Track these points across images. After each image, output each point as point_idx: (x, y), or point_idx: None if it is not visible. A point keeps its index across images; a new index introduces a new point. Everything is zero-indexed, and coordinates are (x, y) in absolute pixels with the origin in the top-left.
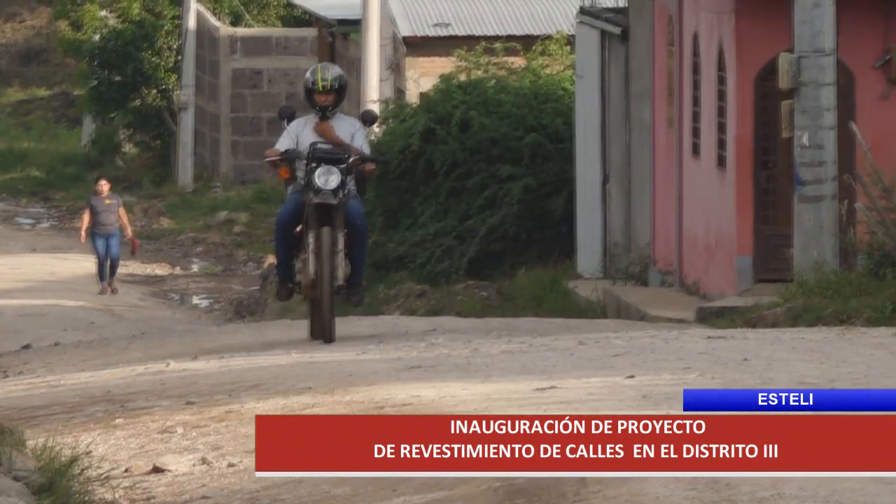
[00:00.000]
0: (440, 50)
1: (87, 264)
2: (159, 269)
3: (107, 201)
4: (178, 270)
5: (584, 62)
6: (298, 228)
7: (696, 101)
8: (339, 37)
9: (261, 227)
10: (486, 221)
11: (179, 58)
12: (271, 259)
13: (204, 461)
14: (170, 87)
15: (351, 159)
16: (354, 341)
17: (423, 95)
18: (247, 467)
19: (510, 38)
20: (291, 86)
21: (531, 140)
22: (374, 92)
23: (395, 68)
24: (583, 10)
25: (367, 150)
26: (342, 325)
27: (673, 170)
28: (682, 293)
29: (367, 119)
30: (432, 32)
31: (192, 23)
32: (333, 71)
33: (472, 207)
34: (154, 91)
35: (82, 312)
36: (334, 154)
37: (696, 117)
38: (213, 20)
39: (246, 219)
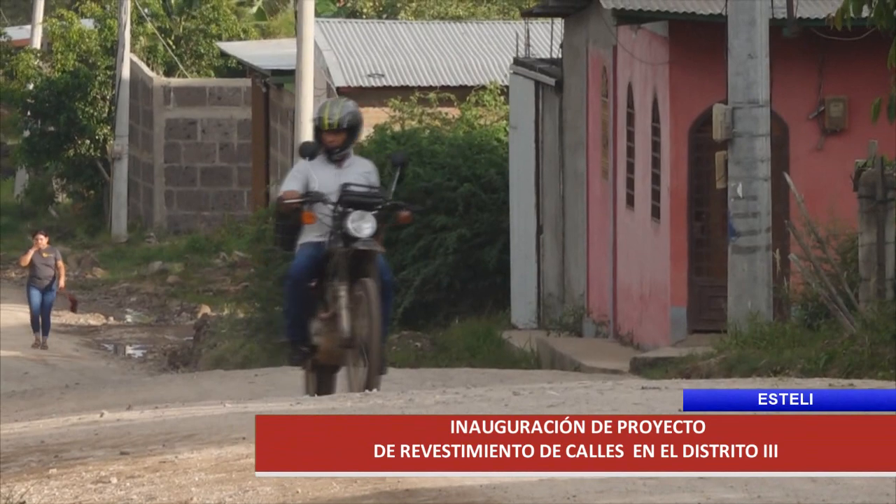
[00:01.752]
0: (374, 100)
1: (20, 314)
2: (93, 320)
3: (45, 255)
4: (111, 321)
5: (518, 113)
6: (313, 284)
7: (630, 152)
8: (273, 87)
9: (194, 277)
10: (420, 272)
11: (113, 108)
12: (205, 309)
13: None
14: (103, 137)
15: (386, 204)
16: (289, 391)
17: (357, 146)
18: None
19: (444, 88)
20: (226, 136)
21: (465, 190)
22: None
23: None
24: (517, 61)
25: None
26: (276, 374)
27: (607, 220)
28: (616, 344)
29: (396, 161)
30: (366, 83)
31: (125, 73)
32: (344, 107)
33: (406, 258)
34: (87, 141)
35: (16, 363)
36: (369, 198)
37: (630, 168)
38: (146, 70)
39: (180, 269)
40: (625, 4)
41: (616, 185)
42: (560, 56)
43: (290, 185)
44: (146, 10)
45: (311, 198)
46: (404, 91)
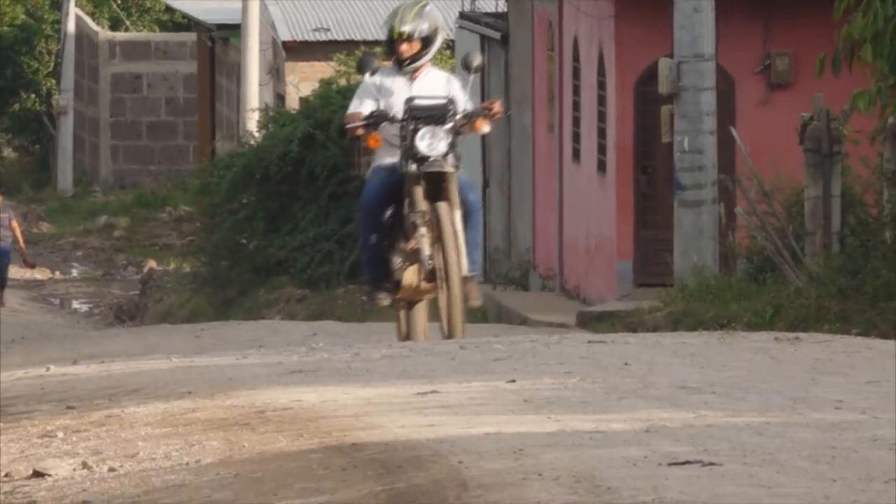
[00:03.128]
0: (320, 55)
1: None
2: (39, 274)
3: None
4: (57, 275)
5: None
6: (389, 212)
7: (576, 106)
8: (219, 42)
9: (141, 231)
10: None
11: (59, 62)
12: (152, 264)
13: (85, 465)
14: (49, 91)
15: (457, 117)
16: (235, 345)
17: (302, 101)
18: (127, 472)
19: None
20: (171, 90)
21: None
22: (254, 97)
23: (274, 73)
24: (462, 15)
25: (470, 107)
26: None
27: (553, 175)
28: (562, 298)
29: (467, 65)
30: (312, 37)
31: (71, 27)
32: (419, 14)
33: (352, 212)
34: (33, 95)
35: None
36: (438, 111)
37: (576, 122)
38: (92, 25)
39: (126, 223)
40: None
41: (562, 139)
42: (506, 10)
43: (356, 105)
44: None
45: (374, 118)
46: (349, 45)
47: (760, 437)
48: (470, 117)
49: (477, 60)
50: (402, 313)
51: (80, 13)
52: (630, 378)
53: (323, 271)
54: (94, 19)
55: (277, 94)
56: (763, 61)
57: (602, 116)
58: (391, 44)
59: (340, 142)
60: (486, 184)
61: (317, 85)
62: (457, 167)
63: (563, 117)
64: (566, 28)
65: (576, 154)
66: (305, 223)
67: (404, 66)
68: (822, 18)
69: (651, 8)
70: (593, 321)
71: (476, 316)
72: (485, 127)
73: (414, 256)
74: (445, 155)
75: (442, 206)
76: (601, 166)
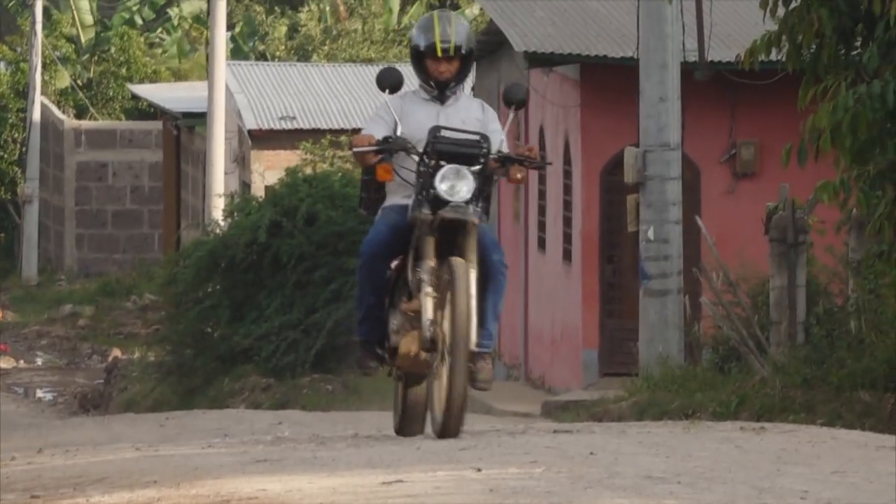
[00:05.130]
0: (286, 143)
1: None
2: (3, 363)
3: None
4: (22, 364)
5: None
6: (395, 263)
7: (542, 195)
8: (185, 130)
9: (105, 320)
10: (332, 315)
11: (24, 150)
12: (116, 352)
13: None
14: (14, 179)
15: (490, 156)
16: (200, 434)
17: (268, 189)
18: None
19: (356, 130)
20: (137, 178)
21: None
22: (219, 185)
23: (240, 161)
24: None
25: (505, 149)
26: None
27: (519, 263)
28: (527, 387)
29: (510, 99)
30: (278, 125)
31: (36, 115)
32: (458, 25)
33: (318, 301)
34: None
35: None
36: (468, 147)
37: (541, 211)
38: (57, 113)
39: (90, 312)
40: (536, 47)
41: (528, 227)
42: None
43: (370, 127)
44: (57, 53)
45: (390, 145)
46: (316, 134)
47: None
48: (505, 162)
49: (520, 94)
50: (400, 388)
51: (46, 101)
52: (596, 468)
53: (288, 360)
54: (59, 108)
55: (243, 182)
56: (729, 151)
57: (568, 205)
58: (421, 61)
59: (307, 230)
60: None
61: (283, 173)
62: (481, 219)
63: (528, 206)
64: (532, 116)
65: (541, 243)
66: (271, 312)
67: (442, 89)
68: (787, 108)
69: (617, 97)
70: (558, 410)
71: None
72: (521, 176)
73: (415, 319)
74: (469, 202)
75: (456, 263)
76: (567, 255)
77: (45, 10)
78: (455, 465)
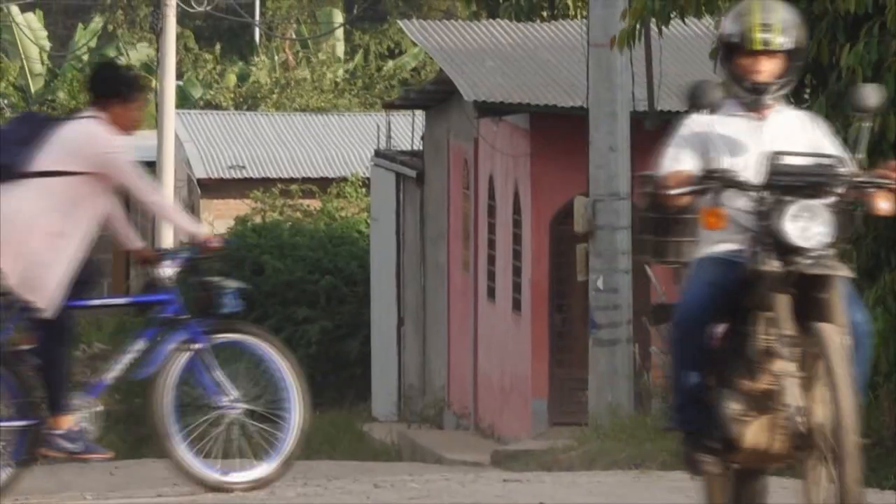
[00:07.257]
0: (235, 192)
1: None
2: None
3: None
4: None
5: (379, 204)
6: (721, 329)
7: (491, 244)
8: None
9: None
10: None
11: None
12: None
13: None
14: None
15: (847, 183)
16: (149, 483)
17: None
18: None
19: (306, 180)
20: None
21: (327, 283)
22: (168, 235)
23: (189, 211)
24: (378, 153)
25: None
26: (137, 467)
27: (468, 312)
28: (477, 436)
29: (859, 105)
30: (227, 175)
31: None
32: (784, 13)
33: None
34: None
35: None
36: (821, 177)
37: (491, 260)
38: None
39: None
40: (486, 97)
41: (477, 277)
42: (421, 148)
43: (678, 159)
44: (5, 102)
45: (716, 181)
46: (266, 183)
47: None
48: (863, 187)
49: (873, 99)
50: (729, 486)
51: None
52: None
53: None
54: None
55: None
56: None
57: (517, 255)
58: (731, 55)
59: (256, 280)
60: (400, 322)
61: (232, 222)
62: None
63: (478, 255)
64: (482, 166)
65: (491, 292)
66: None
67: (765, 94)
68: None
69: (566, 146)
70: (508, 460)
71: (390, 454)
72: (888, 206)
73: (763, 403)
74: (827, 246)
75: (827, 331)
76: (516, 304)
77: None
78: None
